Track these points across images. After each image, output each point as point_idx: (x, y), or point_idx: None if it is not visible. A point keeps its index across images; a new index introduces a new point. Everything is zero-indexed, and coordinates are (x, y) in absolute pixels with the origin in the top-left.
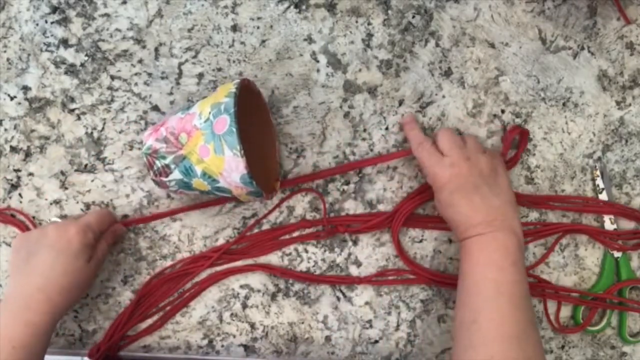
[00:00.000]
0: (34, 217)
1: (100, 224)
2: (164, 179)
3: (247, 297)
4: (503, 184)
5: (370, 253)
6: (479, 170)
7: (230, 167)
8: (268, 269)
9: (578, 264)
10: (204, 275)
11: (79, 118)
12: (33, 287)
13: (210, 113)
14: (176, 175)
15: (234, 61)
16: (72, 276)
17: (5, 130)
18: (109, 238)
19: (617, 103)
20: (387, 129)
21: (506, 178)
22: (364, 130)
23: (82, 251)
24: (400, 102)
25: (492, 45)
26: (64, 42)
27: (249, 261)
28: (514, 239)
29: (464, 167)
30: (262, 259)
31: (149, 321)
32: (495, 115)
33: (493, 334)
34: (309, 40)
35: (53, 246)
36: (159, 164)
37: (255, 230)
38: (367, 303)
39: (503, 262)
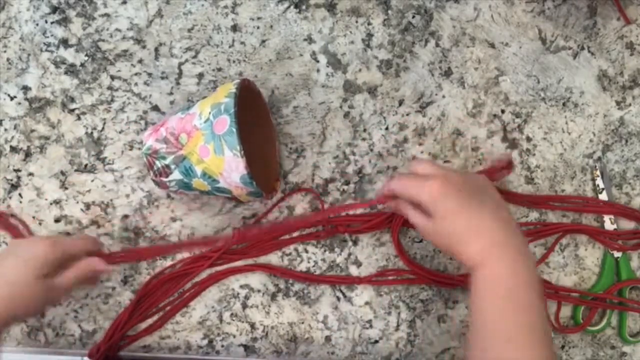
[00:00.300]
0: (33, 217)
1: (73, 245)
2: (164, 179)
3: (247, 297)
4: (496, 196)
5: (370, 253)
6: (470, 182)
7: (230, 168)
8: (268, 269)
9: (578, 264)
10: (204, 275)
11: (79, 118)
12: None
13: (210, 113)
14: (176, 175)
15: (234, 61)
16: (19, 287)
17: (5, 130)
18: (82, 268)
19: (617, 103)
20: (387, 129)
21: (497, 192)
22: (364, 130)
23: (39, 263)
24: (400, 102)
25: (492, 45)
26: (64, 42)
27: (249, 261)
28: (530, 257)
29: (455, 176)
30: (262, 259)
31: (149, 321)
32: (495, 115)
33: None
34: (309, 40)
35: (17, 253)
36: (159, 164)
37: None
38: (367, 303)
39: (530, 295)
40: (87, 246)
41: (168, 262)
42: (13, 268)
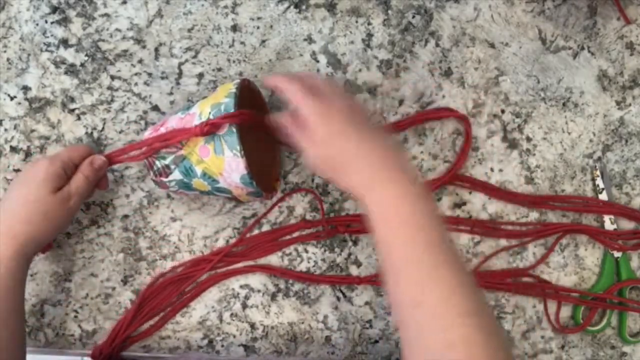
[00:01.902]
0: None
1: (71, 154)
2: (164, 180)
3: (247, 297)
4: (376, 128)
5: (370, 253)
6: (355, 107)
7: (230, 168)
8: (268, 269)
9: (578, 264)
10: (204, 276)
11: (79, 118)
12: None
13: (210, 113)
14: (176, 175)
15: (234, 61)
16: (34, 205)
17: (5, 130)
18: (86, 170)
19: (617, 103)
20: None
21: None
22: None
23: (46, 180)
24: (400, 102)
25: (492, 45)
26: (64, 42)
27: (250, 262)
28: (421, 184)
29: (341, 100)
30: (262, 259)
31: (150, 322)
32: (495, 115)
33: (444, 315)
34: (309, 40)
35: (24, 179)
36: (159, 164)
37: (256, 232)
38: (367, 303)
39: (430, 219)
40: (84, 152)
41: (168, 262)
42: (24, 191)
